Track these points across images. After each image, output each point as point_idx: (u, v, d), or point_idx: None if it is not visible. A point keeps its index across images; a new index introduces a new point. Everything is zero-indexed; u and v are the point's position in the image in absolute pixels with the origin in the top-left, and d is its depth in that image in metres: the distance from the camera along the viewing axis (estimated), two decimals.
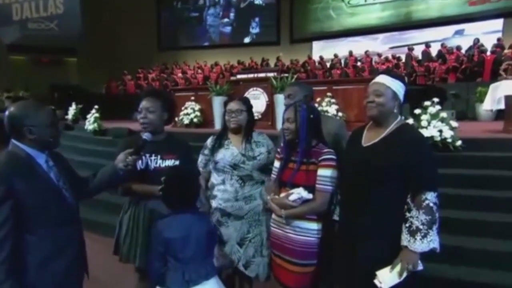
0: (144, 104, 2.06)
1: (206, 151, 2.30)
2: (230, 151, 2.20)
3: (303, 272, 1.87)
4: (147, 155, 2.05)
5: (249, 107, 2.27)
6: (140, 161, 2.02)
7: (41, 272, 1.47)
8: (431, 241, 1.54)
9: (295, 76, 5.83)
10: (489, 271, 2.70)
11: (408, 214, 1.59)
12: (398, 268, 1.55)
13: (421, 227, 1.54)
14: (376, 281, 1.57)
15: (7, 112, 1.50)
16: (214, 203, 2.23)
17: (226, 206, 2.18)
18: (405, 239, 1.57)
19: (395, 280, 1.54)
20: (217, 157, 2.22)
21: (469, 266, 2.77)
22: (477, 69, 9.51)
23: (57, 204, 1.55)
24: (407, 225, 1.58)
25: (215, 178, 2.25)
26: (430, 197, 1.55)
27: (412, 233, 1.55)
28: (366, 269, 1.62)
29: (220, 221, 2.21)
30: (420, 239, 1.53)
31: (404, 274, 1.54)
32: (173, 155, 2.06)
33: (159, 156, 2.06)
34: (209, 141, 2.34)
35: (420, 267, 1.58)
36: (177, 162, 2.06)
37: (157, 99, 2.08)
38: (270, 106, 5.95)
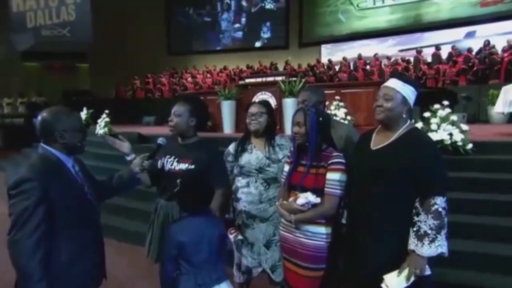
0: (174, 108, 2.13)
1: (230, 158, 2.33)
2: (255, 155, 2.24)
3: (313, 276, 1.86)
4: (167, 156, 2.12)
5: (269, 110, 2.31)
6: (159, 161, 2.12)
7: (66, 273, 1.51)
8: (439, 246, 1.53)
9: (303, 80, 5.82)
10: (498, 277, 2.66)
11: (416, 218, 1.58)
12: (405, 272, 1.54)
13: (429, 231, 1.53)
14: (383, 285, 1.56)
15: (39, 117, 1.56)
16: (238, 206, 2.28)
17: (250, 209, 2.22)
18: (412, 243, 1.56)
19: (403, 284, 1.53)
20: (242, 162, 2.25)
21: (482, 271, 2.73)
22: (488, 72, 9.40)
23: (83, 207, 1.60)
24: (415, 229, 1.57)
25: (239, 181, 2.28)
26: (439, 202, 1.54)
27: (420, 237, 1.54)
28: (373, 272, 1.62)
29: (246, 224, 2.24)
30: (428, 244, 1.52)
31: (412, 279, 1.53)
32: (188, 160, 2.07)
33: (176, 159, 2.10)
34: (231, 147, 2.37)
35: (428, 271, 1.56)
36: (191, 167, 2.06)
37: (186, 104, 2.12)
38: (279, 110, 5.95)
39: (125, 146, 2.01)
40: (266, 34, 17.37)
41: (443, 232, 1.55)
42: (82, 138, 1.62)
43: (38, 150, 1.58)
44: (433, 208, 1.54)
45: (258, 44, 17.46)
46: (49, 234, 1.44)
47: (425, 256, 1.54)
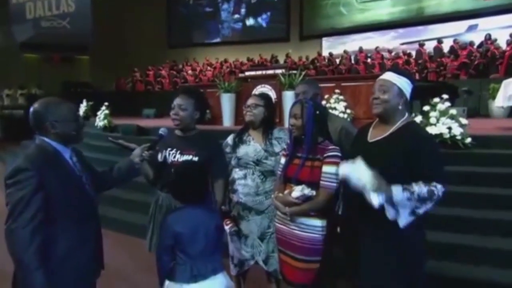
0: (177, 101, 2.11)
1: (228, 149, 2.33)
2: (252, 147, 2.24)
3: (307, 268, 1.88)
4: (169, 149, 2.11)
5: (267, 103, 2.31)
6: (160, 154, 2.10)
7: (64, 263, 1.52)
8: (404, 211, 1.50)
9: (303, 73, 5.80)
10: (498, 270, 2.67)
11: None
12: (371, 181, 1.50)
13: (414, 194, 1.49)
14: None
15: (31, 109, 1.57)
16: (235, 198, 2.28)
17: (246, 201, 2.23)
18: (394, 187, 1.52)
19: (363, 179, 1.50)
20: (239, 153, 2.26)
21: (479, 264, 2.75)
22: (489, 66, 9.35)
23: (81, 198, 1.61)
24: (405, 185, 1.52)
25: (236, 173, 2.29)
26: (439, 187, 1.51)
27: (405, 189, 1.50)
28: (370, 265, 1.62)
29: (241, 215, 2.26)
30: (404, 196, 1.48)
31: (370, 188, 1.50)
32: (192, 151, 2.07)
33: (178, 151, 2.09)
34: (230, 139, 2.37)
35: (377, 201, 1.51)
36: (195, 158, 2.06)
37: (190, 98, 2.12)
38: (278, 103, 5.94)
39: (131, 144, 2.04)
40: (265, 26, 17.13)
41: (419, 209, 1.51)
42: (76, 128, 1.62)
43: (35, 141, 1.58)
44: (431, 187, 1.51)
45: (257, 36, 17.20)
46: (46, 224, 1.45)
47: (390, 192, 1.50)
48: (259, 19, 17.19)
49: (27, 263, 1.39)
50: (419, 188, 1.50)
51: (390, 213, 1.54)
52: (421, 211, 1.52)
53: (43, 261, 1.42)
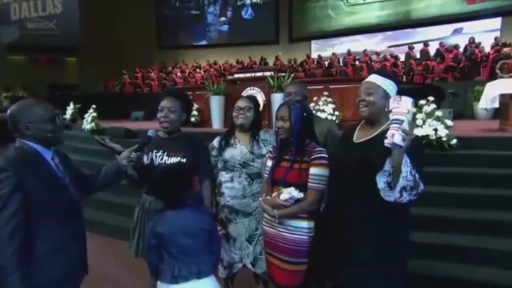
0: (165, 103, 2.09)
1: (214, 152, 2.32)
2: (239, 150, 2.24)
3: (295, 270, 1.88)
4: (155, 151, 2.09)
5: (256, 105, 2.32)
6: (146, 157, 2.08)
7: (45, 265, 1.50)
8: (404, 177, 1.41)
9: (292, 75, 5.83)
10: (484, 269, 2.72)
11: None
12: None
13: (415, 172, 1.44)
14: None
15: (8, 112, 1.55)
16: (222, 200, 2.28)
17: (234, 203, 2.23)
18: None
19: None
20: (226, 156, 2.25)
21: (465, 264, 2.79)
22: (473, 68, 9.56)
23: (63, 199, 1.59)
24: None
25: (222, 176, 2.29)
26: (422, 185, 1.48)
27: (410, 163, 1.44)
28: (358, 263, 1.62)
29: (228, 218, 2.26)
30: (410, 168, 1.43)
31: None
32: (179, 153, 2.07)
33: (165, 153, 2.08)
34: (215, 142, 2.37)
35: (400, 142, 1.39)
36: (183, 160, 2.06)
37: (177, 99, 2.11)
38: (267, 105, 5.96)
39: (116, 145, 2.03)
40: (252, 28, 16.93)
41: (406, 192, 1.44)
42: (52, 129, 1.58)
43: (16, 143, 1.57)
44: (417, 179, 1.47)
45: (245, 38, 16.99)
46: (26, 225, 1.43)
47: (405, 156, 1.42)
48: (245, 17, 17.14)
49: (4, 265, 1.37)
50: (416, 173, 1.47)
51: (383, 178, 1.47)
52: (405, 195, 1.46)
53: (22, 263, 1.40)
